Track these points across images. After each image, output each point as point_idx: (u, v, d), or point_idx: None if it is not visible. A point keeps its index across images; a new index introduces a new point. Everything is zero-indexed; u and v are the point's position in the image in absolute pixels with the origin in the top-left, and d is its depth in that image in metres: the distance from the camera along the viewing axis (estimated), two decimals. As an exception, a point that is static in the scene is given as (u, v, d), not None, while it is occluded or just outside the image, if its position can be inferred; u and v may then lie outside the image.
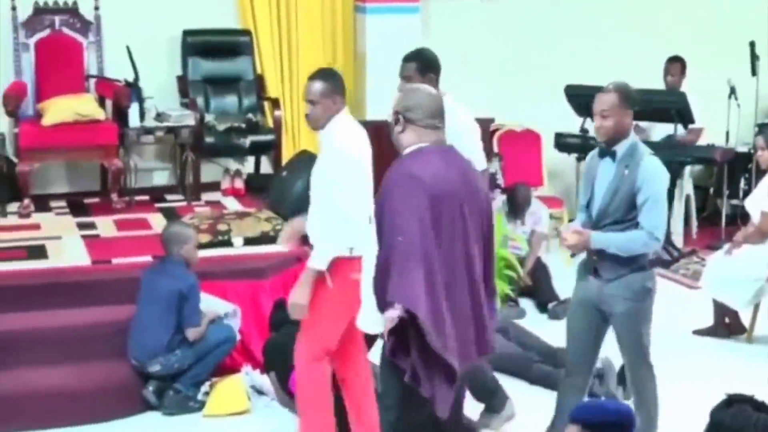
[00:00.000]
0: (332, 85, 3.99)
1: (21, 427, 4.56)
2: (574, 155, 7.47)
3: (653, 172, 4.01)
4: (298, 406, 4.23)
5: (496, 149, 7.44)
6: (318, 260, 3.92)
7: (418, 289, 3.22)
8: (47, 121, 6.38)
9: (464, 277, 3.39)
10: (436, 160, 3.36)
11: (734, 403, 2.62)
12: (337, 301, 3.93)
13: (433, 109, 3.43)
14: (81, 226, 6.11)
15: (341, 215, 3.84)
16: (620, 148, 4.04)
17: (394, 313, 3.27)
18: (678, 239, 7.56)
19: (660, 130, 7.42)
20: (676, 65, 7.57)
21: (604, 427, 2.71)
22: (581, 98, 7.33)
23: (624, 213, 3.98)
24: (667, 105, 7.16)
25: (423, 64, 4.47)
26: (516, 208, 6.77)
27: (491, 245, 3.54)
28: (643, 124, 7.61)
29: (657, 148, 7.24)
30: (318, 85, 3.97)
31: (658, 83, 7.54)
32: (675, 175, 7.34)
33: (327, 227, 3.88)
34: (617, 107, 4.03)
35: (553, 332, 5.68)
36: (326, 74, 4.07)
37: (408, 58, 4.55)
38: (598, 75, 7.39)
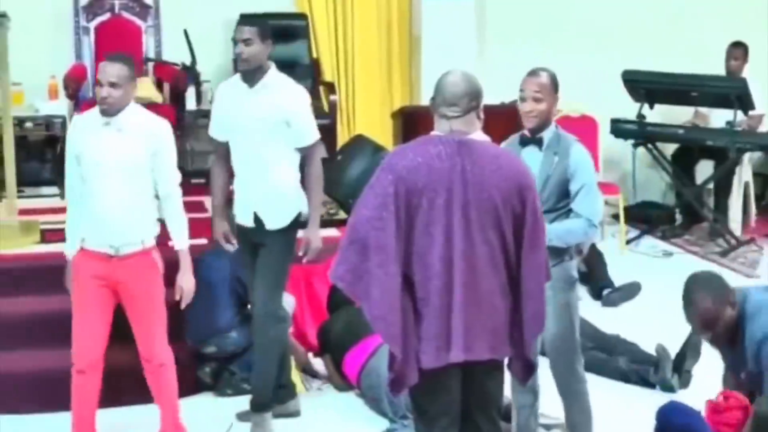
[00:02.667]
0: (132, 71, 4.02)
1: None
2: (631, 141, 7.40)
3: (584, 158, 3.91)
4: None
5: (551, 134, 7.40)
6: None
7: (344, 269, 3.16)
8: (106, 103, 6.47)
9: (447, 272, 3.16)
10: (422, 151, 3.19)
11: None
12: None
13: (448, 96, 3.26)
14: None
15: None
16: (546, 135, 3.92)
17: None
18: (736, 227, 7.46)
19: (719, 116, 7.32)
20: (738, 50, 7.47)
21: None
22: (639, 84, 7.28)
23: (556, 201, 3.85)
24: (727, 91, 7.07)
25: (263, 29, 4.34)
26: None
27: (530, 245, 3.22)
28: (702, 109, 7.54)
29: (716, 134, 7.27)
30: (124, 69, 3.96)
31: (717, 69, 7.44)
32: (734, 161, 7.26)
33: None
34: (549, 90, 3.90)
35: (607, 319, 5.65)
36: (129, 59, 4.07)
37: (248, 23, 4.40)
38: (656, 60, 7.37)
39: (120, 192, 3.93)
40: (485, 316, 3.21)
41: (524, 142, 3.97)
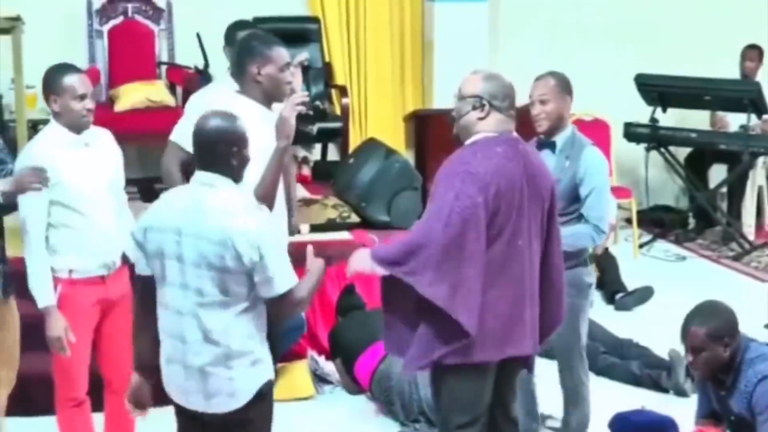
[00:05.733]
0: None
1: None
2: (644, 145, 7.38)
3: (595, 162, 3.91)
4: None
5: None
6: None
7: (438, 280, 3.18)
8: (119, 107, 6.50)
9: (520, 275, 3.30)
10: (500, 152, 3.27)
11: None
12: None
13: (512, 98, 3.36)
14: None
15: None
16: (560, 139, 3.93)
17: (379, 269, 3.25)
18: (750, 231, 7.43)
19: (738, 120, 7.31)
20: (753, 52, 7.46)
21: None
22: (652, 87, 7.26)
23: (566, 205, 3.84)
24: (740, 94, 7.05)
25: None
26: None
27: (556, 240, 3.43)
28: (720, 113, 7.52)
29: (730, 138, 7.25)
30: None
31: (731, 72, 7.42)
32: (748, 165, 7.23)
33: None
34: (556, 92, 3.92)
35: (620, 323, 5.64)
36: None
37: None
38: (670, 64, 7.35)
39: (108, 207, 3.76)
40: (534, 313, 3.36)
41: (540, 146, 3.97)
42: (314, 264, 3.11)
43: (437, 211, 3.18)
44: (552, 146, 3.95)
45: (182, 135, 4.15)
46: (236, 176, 3.07)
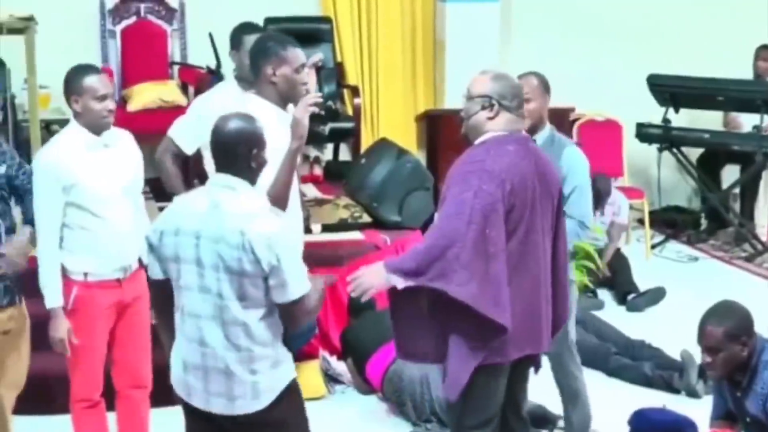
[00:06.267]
0: None
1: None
2: (656, 146, 7.36)
3: (577, 161, 3.94)
4: None
5: (576, 138, 7.38)
6: None
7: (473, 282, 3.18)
8: (132, 106, 6.52)
9: (536, 272, 3.32)
10: (512, 150, 3.29)
11: None
12: None
13: (521, 98, 3.39)
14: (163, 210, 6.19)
15: None
16: (540, 138, 3.93)
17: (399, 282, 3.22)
18: (762, 232, 7.41)
19: (751, 120, 7.29)
20: (766, 52, 7.45)
21: None
22: (665, 88, 7.25)
23: None
24: (753, 95, 7.02)
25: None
26: (595, 199, 6.69)
27: (562, 237, 3.46)
28: (733, 114, 7.50)
29: (743, 138, 7.22)
30: None
31: (744, 73, 7.39)
32: (761, 166, 7.21)
33: None
34: (539, 91, 3.95)
35: (632, 324, 5.63)
36: None
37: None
38: (682, 64, 7.33)
39: (125, 210, 3.73)
40: (549, 310, 3.41)
41: None
42: (313, 283, 3.06)
43: (456, 211, 3.18)
44: None
45: (179, 131, 4.19)
46: (254, 179, 3.05)
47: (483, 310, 3.15)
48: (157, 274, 3.11)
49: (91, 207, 3.65)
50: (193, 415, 3.14)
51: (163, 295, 3.12)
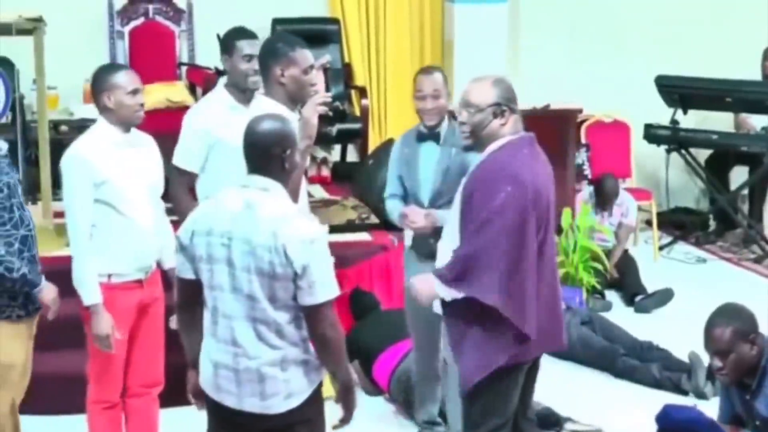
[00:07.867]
0: None
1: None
2: (664, 147, 7.35)
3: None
4: None
5: (584, 140, 7.37)
6: None
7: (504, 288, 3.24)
8: (140, 107, 6.52)
9: (552, 268, 3.40)
10: (527, 153, 3.33)
11: None
12: None
13: (515, 95, 3.43)
14: (169, 211, 6.19)
15: None
16: (441, 129, 4.08)
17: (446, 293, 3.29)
18: (770, 233, 7.40)
19: (762, 121, 7.27)
20: (774, 52, 7.43)
21: None
22: (673, 89, 7.23)
23: (454, 189, 3.77)
24: (762, 96, 7.00)
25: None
26: (603, 200, 6.70)
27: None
28: (744, 115, 7.48)
29: (751, 139, 7.20)
30: None
31: (752, 74, 7.38)
32: (769, 167, 7.20)
33: None
34: (445, 87, 4.09)
35: (640, 326, 5.62)
36: None
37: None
38: (690, 65, 7.32)
39: (148, 210, 3.73)
40: (562, 305, 3.50)
41: (421, 138, 4.13)
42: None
43: (488, 219, 3.21)
44: (436, 137, 4.09)
45: (180, 157, 4.01)
46: (286, 181, 3.03)
47: (514, 319, 3.23)
48: (187, 273, 3.07)
49: (118, 205, 3.64)
50: (219, 417, 3.10)
51: (191, 294, 3.09)
